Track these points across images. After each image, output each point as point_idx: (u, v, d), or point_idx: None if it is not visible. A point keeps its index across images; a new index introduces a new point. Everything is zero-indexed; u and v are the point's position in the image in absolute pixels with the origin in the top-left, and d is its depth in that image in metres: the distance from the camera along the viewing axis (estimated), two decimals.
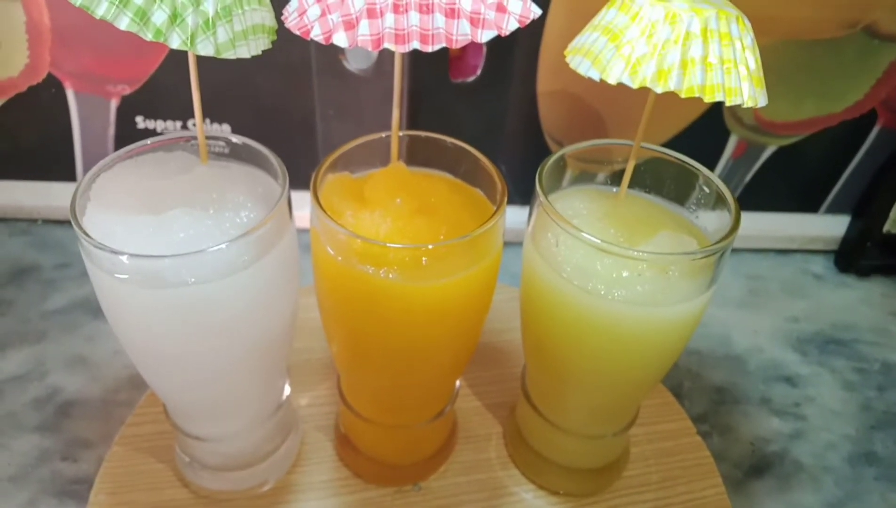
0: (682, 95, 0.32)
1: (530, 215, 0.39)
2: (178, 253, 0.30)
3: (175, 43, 0.30)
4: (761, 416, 0.58)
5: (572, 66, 0.35)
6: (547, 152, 0.68)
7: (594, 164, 0.42)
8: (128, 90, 0.63)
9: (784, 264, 0.75)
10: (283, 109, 0.65)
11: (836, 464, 0.54)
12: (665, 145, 0.71)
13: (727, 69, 0.32)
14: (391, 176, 0.37)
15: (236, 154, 0.39)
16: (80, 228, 0.31)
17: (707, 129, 0.68)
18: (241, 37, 0.32)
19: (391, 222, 0.34)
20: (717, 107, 0.66)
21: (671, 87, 0.31)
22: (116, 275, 0.31)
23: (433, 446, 0.46)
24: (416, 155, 0.40)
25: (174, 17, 0.30)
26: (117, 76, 0.63)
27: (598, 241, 0.33)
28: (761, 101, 0.33)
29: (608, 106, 0.64)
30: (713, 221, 0.38)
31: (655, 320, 0.35)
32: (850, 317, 0.68)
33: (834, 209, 0.75)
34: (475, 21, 0.30)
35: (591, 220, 0.38)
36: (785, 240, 0.76)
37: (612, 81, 0.32)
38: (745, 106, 0.32)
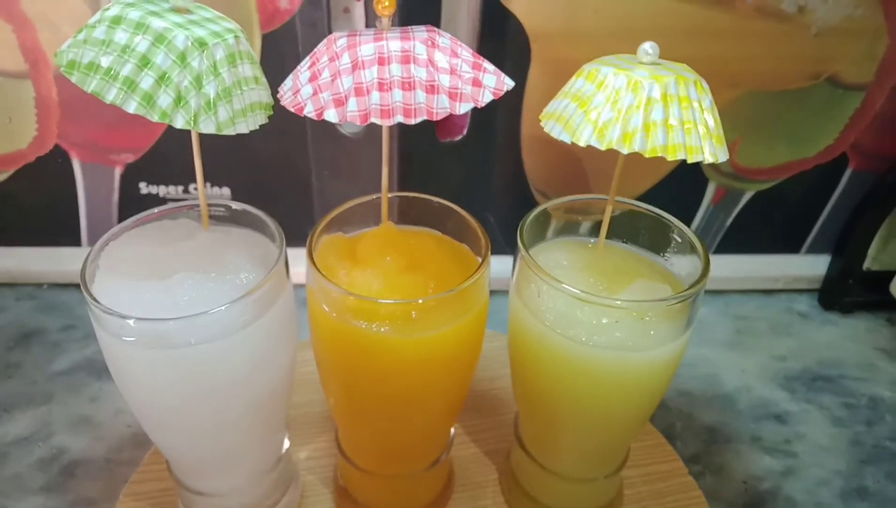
0: (646, 155, 0.34)
1: (514, 267, 0.41)
2: (181, 316, 0.32)
3: (180, 123, 0.33)
4: (753, 454, 0.59)
5: (546, 129, 0.38)
6: (533, 203, 0.71)
7: (575, 215, 0.44)
8: (131, 158, 0.67)
9: (769, 303, 0.77)
10: (281, 170, 0.68)
11: (829, 500, 0.55)
12: (646, 194, 0.75)
13: (688, 130, 0.35)
14: (381, 235, 0.39)
15: (236, 219, 0.41)
16: (90, 294, 0.34)
17: (686, 177, 0.71)
18: (240, 114, 0.35)
19: (382, 280, 0.36)
20: None
21: (636, 148, 0.34)
22: (124, 338, 0.33)
23: (430, 494, 0.47)
24: (406, 214, 0.43)
25: (178, 100, 0.33)
26: (121, 146, 0.66)
27: (577, 291, 0.36)
28: (721, 156, 0.36)
29: (588, 158, 0.67)
30: (686, 267, 0.40)
31: (636, 363, 0.37)
32: (836, 353, 0.70)
33: (815, 249, 0.77)
34: (453, 95, 0.33)
35: (571, 271, 0.41)
36: (769, 280, 0.78)
37: (581, 143, 0.35)
38: (705, 162, 0.35)
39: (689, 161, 0.35)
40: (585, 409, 0.40)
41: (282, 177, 0.69)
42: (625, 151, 0.34)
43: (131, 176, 0.68)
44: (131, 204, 0.69)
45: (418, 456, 0.44)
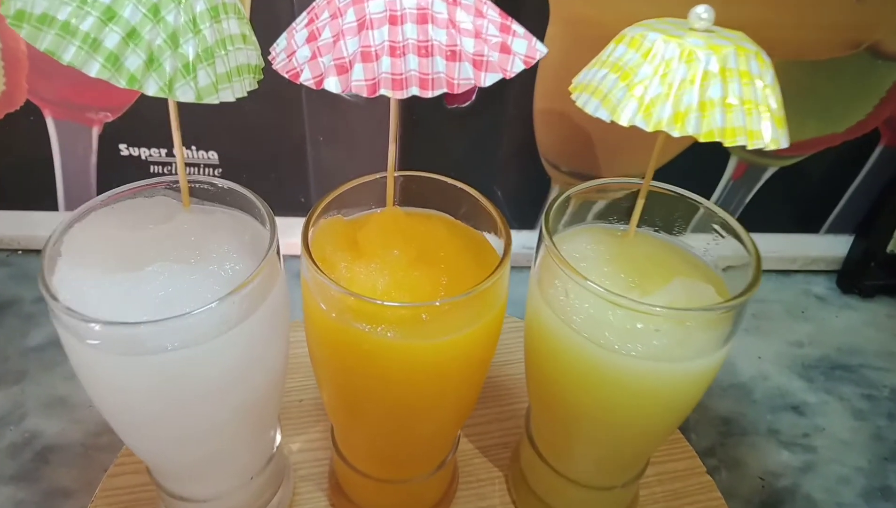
0: (700, 139, 0.30)
1: (536, 255, 0.36)
2: (156, 318, 0.28)
3: (151, 90, 0.27)
4: (770, 448, 0.56)
5: (579, 104, 0.33)
6: (543, 176, 0.66)
7: (600, 197, 0.40)
8: (110, 117, 0.61)
9: (786, 285, 0.73)
10: (273, 135, 0.63)
11: (851, 500, 0.53)
12: (664, 168, 0.70)
13: (748, 110, 0.30)
14: (387, 222, 0.34)
15: (220, 197, 0.36)
16: (48, 290, 0.29)
17: (706, 151, 0.66)
18: (224, 79, 0.30)
19: (388, 276, 0.31)
20: None
21: (689, 130, 0.29)
22: (88, 341, 0.29)
23: (433, 497, 0.44)
24: (413, 194, 0.38)
25: (150, 62, 0.27)
26: (98, 104, 0.60)
27: (614, 294, 0.31)
28: (783, 142, 0.31)
29: (605, 129, 0.62)
30: (726, 260, 0.36)
31: (672, 375, 0.33)
32: (856, 340, 0.67)
33: (836, 229, 0.73)
34: (478, 63, 0.28)
35: (599, 263, 0.36)
36: (786, 261, 0.74)
37: (623, 122, 0.30)
38: (766, 149, 0.30)
39: (749, 147, 0.30)
40: (610, 418, 0.36)
41: (274, 142, 0.63)
42: (675, 133, 0.30)
43: (110, 137, 0.62)
44: (111, 167, 0.64)
45: (422, 462, 0.40)
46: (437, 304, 0.29)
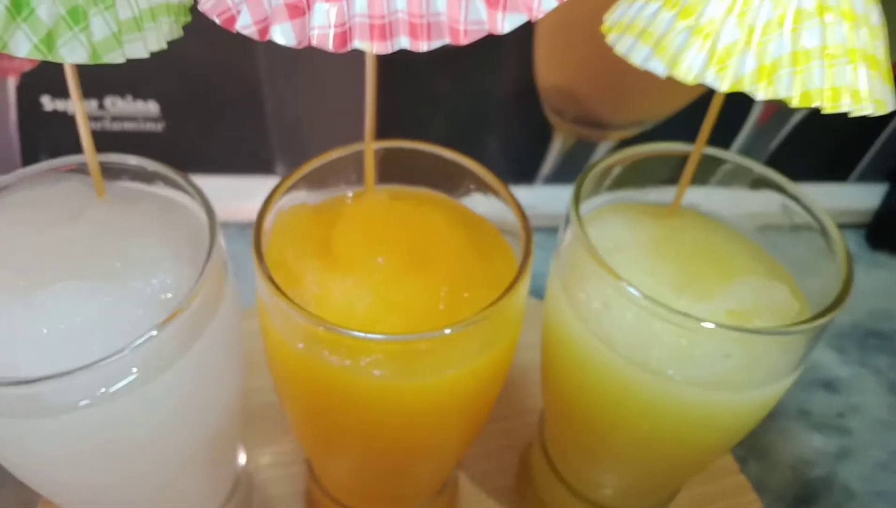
0: (793, 105, 0.22)
1: (560, 244, 0.29)
2: (56, 372, 0.20)
3: (23, 50, 0.19)
4: (801, 432, 0.50)
5: (619, 50, 0.25)
6: (544, 124, 0.58)
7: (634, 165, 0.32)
8: (28, 65, 0.51)
9: None
10: (222, 78, 0.53)
11: (892, 488, 0.47)
12: (682, 112, 0.62)
13: (853, 62, 0.22)
14: (367, 213, 0.26)
15: (144, 177, 0.28)
16: None
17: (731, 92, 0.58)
18: (131, 27, 0.21)
19: (371, 292, 0.24)
20: None
21: (781, 93, 0.21)
22: None
23: None
24: (397, 168, 0.30)
25: (17, 8, 0.19)
26: None
27: (685, 317, 0.23)
28: (891, 104, 0.23)
29: (622, 69, 0.53)
30: (798, 254, 0.29)
31: (732, 404, 0.26)
32: (890, 304, 0.61)
33: (866, 178, 0.66)
34: (493, 2, 0.19)
35: (639, 254, 0.29)
36: None
37: (688, 78, 0.22)
38: (873, 115, 0.23)
39: (853, 113, 0.22)
40: (648, 446, 0.29)
41: (225, 87, 0.54)
42: (760, 95, 0.22)
43: (30, 88, 0.52)
44: (35, 124, 0.54)
45: (417, 494, 0.33)
46: (440, 335, 0.22)
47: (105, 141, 0.55)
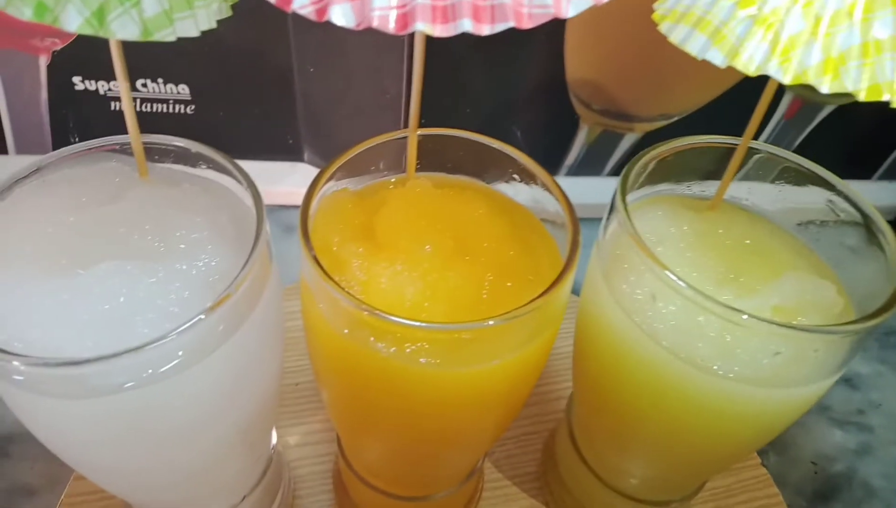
0: (861, 98, 0.21)
1: (602, 235, 0.28)
2: (104, 354, 0.20)
3: (73, 24, 0.18)
4: (821, 428, 0.50)
5: (674, 39, 0.24)
6: (570, 115, 0.57)
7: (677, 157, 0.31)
8: (59, 44, 0.51)
9: None
10: (254, 64, 0.53)
11: None
12: (710, 104, 0.61)
13: None
14: (412, 200, 0.26)
15: (187, 160, 0.28)
16: None
17: (759, 85, 0.57)
18: (182, 5, 0.21)
19: (420, 279, 0.23)
20: None
21: (847, 86, 0.21)
22: (14, 376, 0.21)
23: (456, 506, 0.37)
24: (436, 155, 0.29)
25: None
26: (42, 28, 0.49)
27: (739, 314, 0.23)
28: None
29: (655, 61, 0.53)
30: (841, 251, 0.29)
31: (774, 401, 0.26)
32: None
33: (891, 175, 0.65)
34: None
35: (681, 247, 0.28)
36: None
37: (749, 70, 0.22)
38: None
39: None
40: (684, 440, 0.29)
41: (256, 72, 0.54)
42: (825, 89, 0.21)
43: (61, 68, 0.52)
44: (66, 104, 0.54)
45: (448, 479, 0.33)
46: (491, 324, 0.21)
47: None
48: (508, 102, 0.57)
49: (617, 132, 0.59)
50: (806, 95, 0.59)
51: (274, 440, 0.36)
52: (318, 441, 0.42)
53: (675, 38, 0.24)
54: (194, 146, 0.26)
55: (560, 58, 0.53)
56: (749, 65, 0.22)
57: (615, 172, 0.62)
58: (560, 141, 0.59)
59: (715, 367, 0.25)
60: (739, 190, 0.31)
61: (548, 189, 0.27)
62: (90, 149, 0.26)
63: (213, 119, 0.55)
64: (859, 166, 0.65)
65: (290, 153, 0.59)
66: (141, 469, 0.25)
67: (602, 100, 0.55)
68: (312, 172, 0.61)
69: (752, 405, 0.26)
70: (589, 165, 0.61)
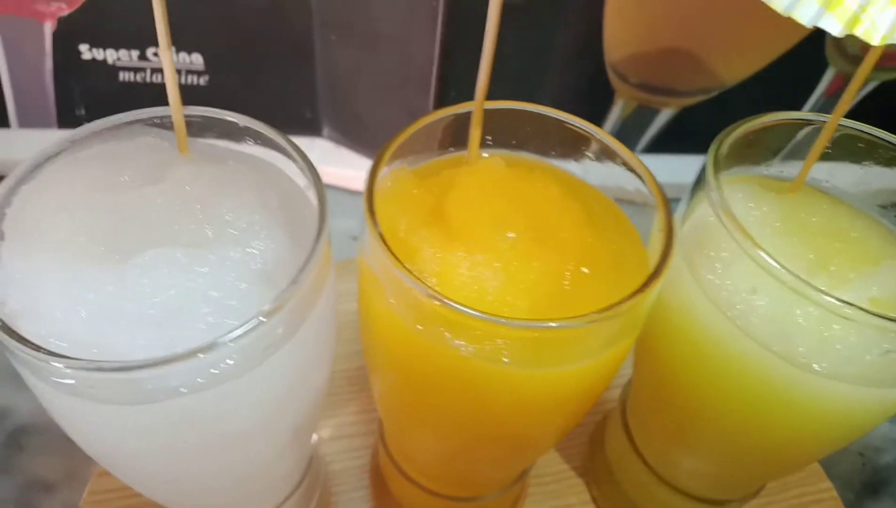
0: None
1: (684, 216, 0.26)
2: (155, 360, 0.17)
3: None
4: None
5: (778, 7, 0.22)
6: (605, 88, 0.55)
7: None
8: (65, 9, 0.48)
9: None
10: (271, 31, 0.50)
11: None
12: (750, 78, 0.58)
13: None
14: (485, 182, 0.23)
15: (232, 133, 0.25)
16: None
17: (801, 60, 0.55)
18: None
19: (502, 272, 0.21)
20: (820, 34, 0.53)
21: None
22: (54, 379, 0.19)
23: (502, 505, 0.35)
24: (500, 132, 0.27)
25: None
26: None
27: (874, 315, 0.21)
28: None
29: (698, 33, 0.50)
30: None
31: (870, 401, 0.24)
32: None
33: None
34: None
35: (766, 232, 0.26)
36: (879, 194, 0.64)
37: (874, 40, 0.20)
38: None
39: None
40: (761, 439, 0.27)
41: (273, 40, 0.51)
42: None
43: (68, 35, 0.49)
44: (72, 74, 0.51)
45: (500, 481, 0.31)
46: (586, 323, 0.19)
47: (145, 94, 0.52)
48: (541, 75, 0.54)
49: (652, 107, 0.56)
50: (849, 71, 0.56)
51: (315, 436, 0.34)
52: (353, 435, 0.40)
53: (779, 5, 0.22)
54: (242, 120, 0.24)
55: (598, 29, 0.50)
56: (872, 33, 0.20)
57: (648, 149, 0.60)
58: (593, 116, 0.56)
59: (813, 363, 0.23)
60: (819, 171, 0.29)
61: (631, 168, 0.24)
62: (124, 123, 0.24)
63: (228, 91, 0.52)
64: None
65: (308, 128, 0.57)
66: (188, 475, 0.23)
67: (641, 72, 0.53)
68: (331, 148, 0.58)
69: (847, 403, 0.24)
70: (622, 142, 0.59)
